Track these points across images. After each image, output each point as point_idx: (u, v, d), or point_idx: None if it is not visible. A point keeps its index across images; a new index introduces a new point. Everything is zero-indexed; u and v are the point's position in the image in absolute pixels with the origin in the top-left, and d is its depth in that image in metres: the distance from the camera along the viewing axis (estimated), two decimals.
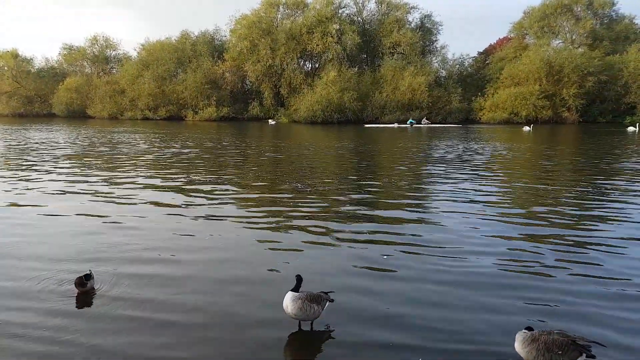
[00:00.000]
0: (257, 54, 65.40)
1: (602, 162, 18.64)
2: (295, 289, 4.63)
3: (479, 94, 62.35)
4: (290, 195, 11.47)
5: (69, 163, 17.97)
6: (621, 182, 13.75)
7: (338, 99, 59.18)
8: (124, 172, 15.61)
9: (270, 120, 59.82)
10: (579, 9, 64.37)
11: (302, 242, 7.70)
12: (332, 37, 63.13)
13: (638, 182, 13.95)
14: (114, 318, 5.01)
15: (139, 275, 6.15)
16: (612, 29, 64.71)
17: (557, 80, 58.36)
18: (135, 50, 76.66)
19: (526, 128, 44.86)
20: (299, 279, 4.72)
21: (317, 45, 63.76)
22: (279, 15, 69.95)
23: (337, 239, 7.81)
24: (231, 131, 41.18)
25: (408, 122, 54.66)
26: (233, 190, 12.32)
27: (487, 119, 58.96)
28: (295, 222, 8.92)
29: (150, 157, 20.26)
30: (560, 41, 65.67)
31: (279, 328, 4.75)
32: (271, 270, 6.40)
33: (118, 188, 12.50)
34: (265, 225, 8.72)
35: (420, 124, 55.20)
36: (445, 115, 61.18)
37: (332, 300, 4.77)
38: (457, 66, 69.45)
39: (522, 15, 68.83)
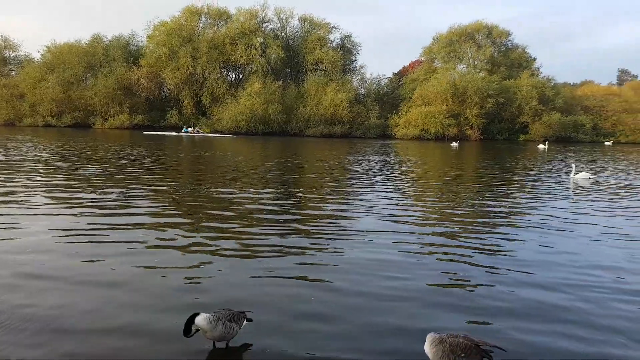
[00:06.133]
0: (177, 62, 63.56)
1: (528, 177, 19.67)
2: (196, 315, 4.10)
3: (394, 111, 66.42)
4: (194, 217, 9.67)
5: None
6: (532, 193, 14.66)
7: (263, 110, 59.55)
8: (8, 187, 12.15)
9: (193, 129, 58.20)
10: (480, 37, 71.97)
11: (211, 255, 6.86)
12: (256, 49, 63.47)
13: (541, 192, 14.74)
14: None
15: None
16: (508, 57, 73.14)
17: (462, 101, 64.21)
18: (39, 52, 70.01)
19: (453, 144, 48.41)
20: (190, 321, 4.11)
21: (241, 56, 63.64)
22: (201, 24, 68.80)
23: (251, 251, 7.09)
24: (147, 142, 38.13)
25: (183, 131, 57.01)
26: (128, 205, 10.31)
27: (401, 135, 62.86)
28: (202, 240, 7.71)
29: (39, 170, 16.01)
30: (464, 66, 72.64)
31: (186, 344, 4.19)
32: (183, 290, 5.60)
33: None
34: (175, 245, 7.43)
35: (194, 133, 56.88)
36: (364, 130, 64.26)
37: (250, 320, 4.46)
38: (375, 85, 73.48)
39: (431, 41, 75.15)
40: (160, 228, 8.34)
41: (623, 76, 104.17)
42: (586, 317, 5.04)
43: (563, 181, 17.34)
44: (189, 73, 64.01)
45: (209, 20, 68.56)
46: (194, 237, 7.85)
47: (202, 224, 8.85)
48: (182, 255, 6.89)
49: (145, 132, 52.86)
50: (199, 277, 5.93)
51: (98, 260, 6.44)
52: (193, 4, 67.53)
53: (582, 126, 68.01)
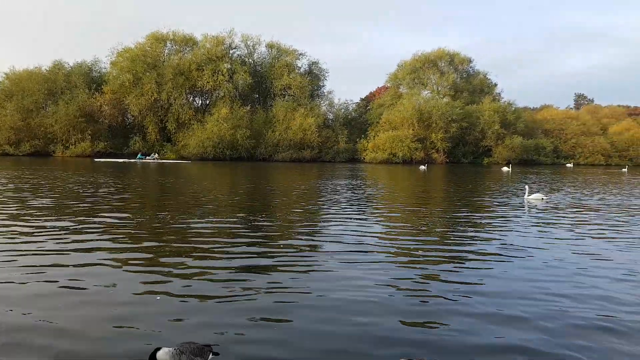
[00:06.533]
0: (141, 88, 62.70)
1: (491, 198, 20.47)
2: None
3: (363, 136, 67.11)
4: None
5: None
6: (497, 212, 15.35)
7: (230, 136, 59.01)
8: None
9: (148, 156, 56.75)
10: (443, 64, 74.19)
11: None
12: (223, 75, 63.30)
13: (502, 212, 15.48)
14: None
15: None
16: (470, 82, 75.51)
17: (427, 125, 65.59)
18: None
19: (422, 167, 48.88)
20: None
21: (207, 82, 63.29)
22: (166, 51, 68.34)
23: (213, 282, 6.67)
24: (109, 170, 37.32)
25: (137, 157, 55.08)
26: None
27: (370, 158, 63.46)
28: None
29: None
30: (428, 92, 74.47)
31: None
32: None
33: None
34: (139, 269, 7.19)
35: (150, 159, 55.58)
36: (334, 154, 64.53)
37: (216, 353, 4.28)
38: (343, 110, 74.38)
39: (396, 68, 76.94)
40: (112, 261, 7.66)
41: (580, 100, 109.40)
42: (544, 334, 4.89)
43: (521, 203, 17.45)
44: (154, 99, 63.15)
45: (174, 47, 68.26)
46: (151, 269, 7.26)
47: (158, 257, 8.06)
48: (136, 286, 6.35)
49: (96, 160, 51.25)
50: (154, 310, 5.49)
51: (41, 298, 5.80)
52: (158, 30, 67.28)
53: (543, 149, 70.29)
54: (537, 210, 15.25)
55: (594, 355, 4.59)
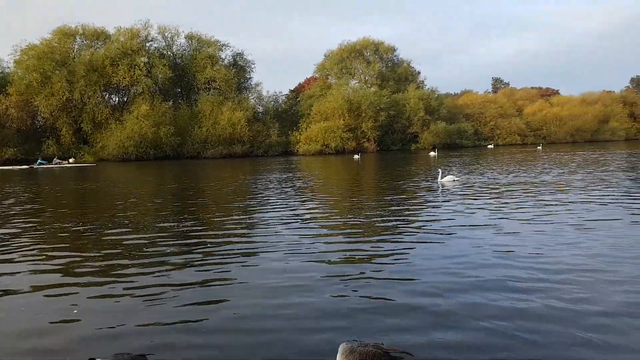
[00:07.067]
0: (51, 87, 57.69)
1: (415, 183, 20.44)
2: None
3: (295, 128, 66.33)
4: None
5: None
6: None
7: (153, 133, 55.85)
8: None
9: (51, 161, 50.76)
10: (368, 53, 75.11)
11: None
12: (140, 70, 59.70)
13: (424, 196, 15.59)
14: None
15: None
16: (395, 71, 77.10)
17: (357, 115, 66.10)
18: None
19: (355, 156, 48.78)
20: None
21: (123, 78, 59.42)
22: (76, 46, 63.32)
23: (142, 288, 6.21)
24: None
25: (37, 163, 47.22)
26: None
27: (303, 151, 62.84)
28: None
29: None
30: (356, 81, 75.09)
31: None
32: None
33: None
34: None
35: (52, 164, 48.63)
36: (266, 148, 63.15)
37: None
38: (273, 102, 73.04)
39: (323, 58, 76.80)
40: (25, 274, 7.09)
41: (497, 84, 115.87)
42: (469, 316, 4.96)
43: (439, 186, 17.88)
44: (66, 99, 58.34)
45: (85, 42, 63.42)
46: (68, 280, 6.70)
47: (72, 268, 7.37)
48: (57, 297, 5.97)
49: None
50: (74, 324, 5.10)
51: None
52: (66, 24, 62.11)
53: (465, 132, 73.42)
54: (449, 192, 15.87)
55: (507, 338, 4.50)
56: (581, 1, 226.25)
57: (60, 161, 50.67)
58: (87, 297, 5.93)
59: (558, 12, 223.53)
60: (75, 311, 5.45)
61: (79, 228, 10.73)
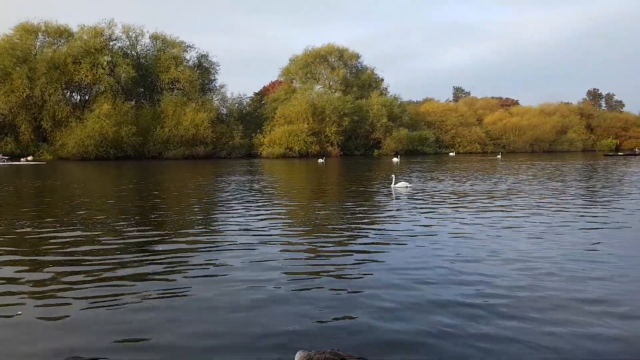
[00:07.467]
0: (11, 84, 57.02)
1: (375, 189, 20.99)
2: None
3: (258, 130, 67.04)
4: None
5: None
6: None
7: (114, 133, 55.75)
8: None
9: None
10: (333, 59, 76.66)
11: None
12: (103, 68, 59.57)
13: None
14: None
15: None
16: (359, 78, 78.78)
17: (321, 119, 67.29)
18: None
19: (320, 160, 49.56)
20: None
21: (86, 76, 59.17)
22: (38, 43, 62.67)
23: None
24: None
25: None
26: None
27: (266, 153, 63.53)
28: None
29: None
30: (320, 86, 76.47)
31: None
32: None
33: None
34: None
35: None
36: (229, 150, 63.64)
37: None
38: (237, 105, 73.55)
39: (288, 62, 77.93)
40: None
41: (458, 93, 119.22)
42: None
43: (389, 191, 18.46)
44: (26, 96, 57.74)
45: (47, 39, 62.84)
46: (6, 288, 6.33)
47: (12, 272, 7.04)
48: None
49: None
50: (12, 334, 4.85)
51: None
52: (28, 20, 61.42)
53: (426, 140, 75.33)
54: (402, 197, 16.39)
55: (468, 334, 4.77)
56: (535, 12, 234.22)
57: (5, 159, 48.50)
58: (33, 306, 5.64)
59: (514, 22, 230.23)
60: (19, 312, 5.37)
61: (21, 230, 10.33)
